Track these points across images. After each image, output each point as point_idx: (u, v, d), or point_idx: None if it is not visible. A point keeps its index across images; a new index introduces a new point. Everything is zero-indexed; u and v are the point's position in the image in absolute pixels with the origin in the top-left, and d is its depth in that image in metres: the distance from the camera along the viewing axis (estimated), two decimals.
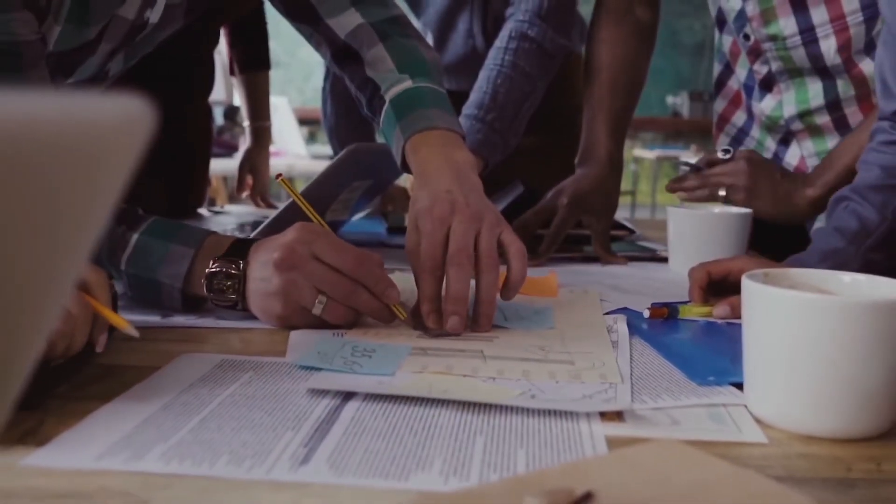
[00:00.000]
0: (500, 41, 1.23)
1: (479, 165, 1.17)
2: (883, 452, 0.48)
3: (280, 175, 0.83)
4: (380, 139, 1.01)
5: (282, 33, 1.03)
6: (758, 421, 0.53)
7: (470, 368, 0.62)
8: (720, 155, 1.15)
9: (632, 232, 1.31)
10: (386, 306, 0.72)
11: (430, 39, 1.48)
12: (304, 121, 4.18)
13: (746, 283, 0.54)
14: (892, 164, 0.86)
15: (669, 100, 6.84)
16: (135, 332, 0.59)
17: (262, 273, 0.72)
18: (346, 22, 0.95)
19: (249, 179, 1.96)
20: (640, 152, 6.57)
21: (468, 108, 1.19)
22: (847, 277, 0.57)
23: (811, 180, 1.10)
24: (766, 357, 0.52)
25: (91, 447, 0.46)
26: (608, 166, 1.13)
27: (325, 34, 0.98)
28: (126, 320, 0.59)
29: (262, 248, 0.73)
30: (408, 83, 0.90)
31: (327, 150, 4.12)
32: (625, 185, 6.83)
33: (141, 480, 0.43)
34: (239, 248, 0.74)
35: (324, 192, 1.08)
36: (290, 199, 0.91)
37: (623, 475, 0.37)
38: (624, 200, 6.48)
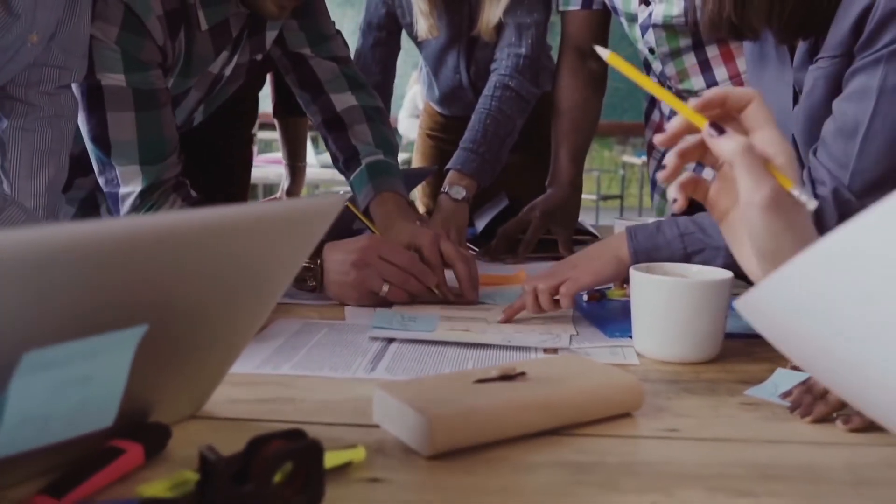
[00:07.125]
0: (488, 90, 1.59)
1: (473, 186, 1.52)
2: (704, 368, 0.84)
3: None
4: None
5: None
6: (638, 354, 0.88)
7: (479, 329, 0.97)
8: None
9: (595, 237, 1.66)
10: (428, 288, 1.08)
11: (427, 70, 1.85)
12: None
13: (633, 273, 0.88)
14: None
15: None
16: None
17: (340, 268, 1.06)
18: (344, 100, 1.38)
19: None
20: (629, 158, 6.89)
21: (464, 143, 1.55)
22: (695, 268, 0.92)
23: None
24: (643, 316, 0.87)
25: (249, 363, 0.81)
26: (570, 188, 1.49)
27: (323, 104, 1.40)
28: None
29: (337, 250, 1.07)
30: (380, 156, 1.33)
31: None
32: (614, 189, 7.21)
33: (285, 378, 0.78)
34: (315, 248, 1.08)
35: None
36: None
37: (543, 366, 0.72)
38: (612, 204, 6.86)
